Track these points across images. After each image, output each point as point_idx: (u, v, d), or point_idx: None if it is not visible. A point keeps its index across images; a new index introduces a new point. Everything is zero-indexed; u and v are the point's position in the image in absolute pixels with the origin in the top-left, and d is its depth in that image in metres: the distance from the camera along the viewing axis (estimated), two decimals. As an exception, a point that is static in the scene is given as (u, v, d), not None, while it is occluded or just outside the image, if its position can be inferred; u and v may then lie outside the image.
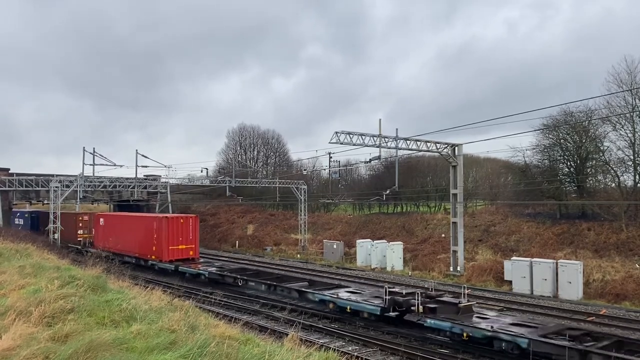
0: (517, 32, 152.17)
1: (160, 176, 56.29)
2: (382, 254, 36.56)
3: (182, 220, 32.66)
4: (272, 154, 76.78)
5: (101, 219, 40.30)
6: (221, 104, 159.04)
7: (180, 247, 32.31)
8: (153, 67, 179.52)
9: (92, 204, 61.84)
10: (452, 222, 33.35)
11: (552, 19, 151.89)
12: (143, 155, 45.82)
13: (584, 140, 38.26)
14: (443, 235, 40.37)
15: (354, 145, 28.17)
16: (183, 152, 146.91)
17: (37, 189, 47.69)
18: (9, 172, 52.18)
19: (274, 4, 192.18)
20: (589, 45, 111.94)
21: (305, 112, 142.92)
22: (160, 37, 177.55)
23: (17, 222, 54.46)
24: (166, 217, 32.56)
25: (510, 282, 28.47)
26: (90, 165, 43.49)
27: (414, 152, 34.56)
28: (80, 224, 44.71)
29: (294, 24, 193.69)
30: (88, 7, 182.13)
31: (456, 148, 32.64)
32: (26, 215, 53.64)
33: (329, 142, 27.43)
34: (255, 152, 76.88)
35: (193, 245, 33.12)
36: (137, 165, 45.82)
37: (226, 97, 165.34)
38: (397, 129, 29.79)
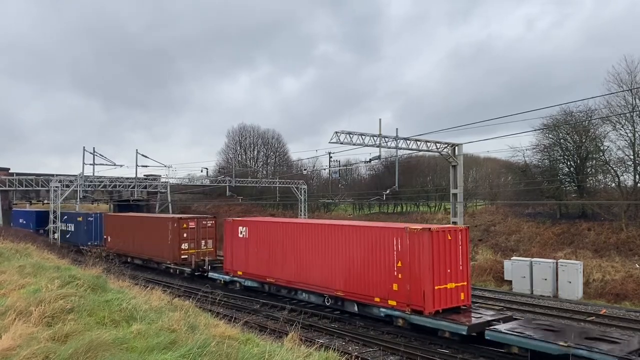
0: (535, 30, 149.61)
1: (160, 176, 56.35)
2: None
3: (449, 236, 18.18)
4: (272, 153, 76.84)
5: (242, 228, 25.80)
6: (229, 103, 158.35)
7: (448, 286, 17.92)
8: (162, 67, 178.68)
9: (92, 203, 61.93)
10: (452, 222, 33.33)
11: (573, 15, 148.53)
12: (143, 155, 45.87)
13: (584, 140, 38.27)
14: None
15: (354, 145, 28.19)
16: (188, 152, 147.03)
17: (37, 188, 47.69)
18: (9, 172, 52.20)
19: (289, 2, 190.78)
20: (609, 42, 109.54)
21: (315, 112, 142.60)
22: (170, 36, 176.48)
23: (66, 229, 44.60)
24: (429, 229, 17.59)
25: (510, 282, 28.46)
26: (91, 165, 43.49)
27: (414, 152, 34.59)
28: (185, 235, 31.01)
29: (308, 22, 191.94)
30: (99, 6, 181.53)
31: (456, 148, 32.64)
32: (79, 218, 43.23)
33: (329, 142, 27.50)
34: (255, 152, 76.96)
35: (465, 283, 18.56)
36: (137, 165, 45.88)
37: (234, 97, 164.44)
38: (397, 129, 29.84)
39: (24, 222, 54.42)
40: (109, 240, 39.06)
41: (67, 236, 44.36)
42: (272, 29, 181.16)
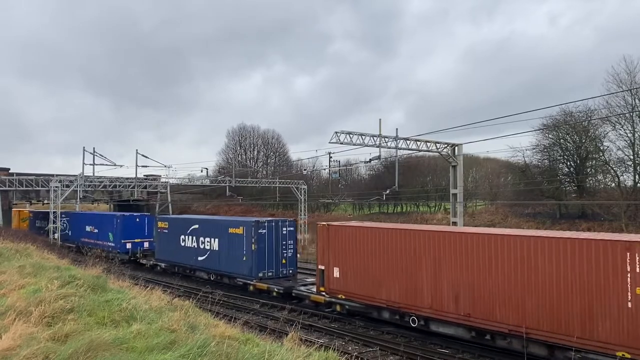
0: (558, 27, 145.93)
1: (160, 176, 56.39)
2: (382, 254, 36.18)
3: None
4: (272, 153, 76.97)
5: None
6: (240, 102, 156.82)
7: None
8: (173, 65, 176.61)
9: (92, 203, 62.03)
10: (452, 222, 33.33)
11: (598, 12, 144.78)
12: (143, 155, 45.83)
13: (583, 140, 38.32)
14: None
15: (354, 145, 28.19)
16: (195, 151, 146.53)
17: (37, 188, 47.69)
18: (9, 172, 52.21)
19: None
20: (627, 41, 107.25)
21: (326, 111, 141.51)
22: (183, 34, 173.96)
23: (194, 245, 28.87)
24: None
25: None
26: (91, 165, 43.48)
27: (414, 152, 34.60)
28: None
29: (326, 19, 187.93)
30: (113, 3, 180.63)
31: (456, 148, 32.64)
32: (233, 229, 26.24)
33: (329, 142, 27.49)
34: (256, 152, 77.08)
35: None
36: (137, 165, 45.86)
37: (246, 96, 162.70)
38: (397, 129, 29.81)
39: (95, 230, 40.69)
40: (335, 275, 20.30)
41: (202, 258, 28.41)
42: (288, 27, 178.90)
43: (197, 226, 29.21)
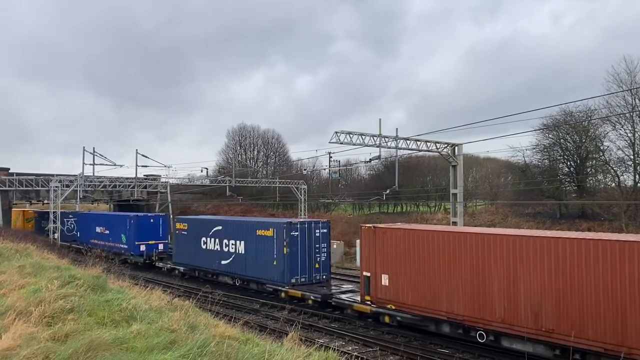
0: (560, 27, 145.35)
1: (160, 176, 56.39)
2: (383, 254, 36.10)
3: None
4: (272, 153, 76.92)
5: None
6: (241, 102, 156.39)
7: None
8: (175, 65, 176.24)
9: (92, 203, 62.03)
10: (452, 222, 33.33)
11: (599, 12, 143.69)
12: (143, 155, 45.83)
13: (583, 140, 38.32)
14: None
15: (354, 145, 28.18)
16: (196, 151, 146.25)
17: (37, 188, 47.68)
18: (9, 172, 52.20)
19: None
20: (631, 40, 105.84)
21: (327, 111, 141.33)
22: (184, 34, 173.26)
23: (215, 248, 27.31)
24: None
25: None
26: (91, 165, 43.46)
27: (414, 152, 34.59)
28: None
29: (327, 19, 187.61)
30: (114, 3, 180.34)
31: (456, 148, 32.63)
32: (263, 232, 24.55)
33: (329, 142, 27.49)
34: (255, 152, 77.02)
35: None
36: (137, 165, 45.87)
37: (246, 96, 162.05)
38: (397, 129, 29.80)
39: (105, 231, 38.98)
40: (383, 282, 18.49)
41: (225, 262, 26.90)
42: (289, 26, 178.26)
43: (220, 227, 27.44)
